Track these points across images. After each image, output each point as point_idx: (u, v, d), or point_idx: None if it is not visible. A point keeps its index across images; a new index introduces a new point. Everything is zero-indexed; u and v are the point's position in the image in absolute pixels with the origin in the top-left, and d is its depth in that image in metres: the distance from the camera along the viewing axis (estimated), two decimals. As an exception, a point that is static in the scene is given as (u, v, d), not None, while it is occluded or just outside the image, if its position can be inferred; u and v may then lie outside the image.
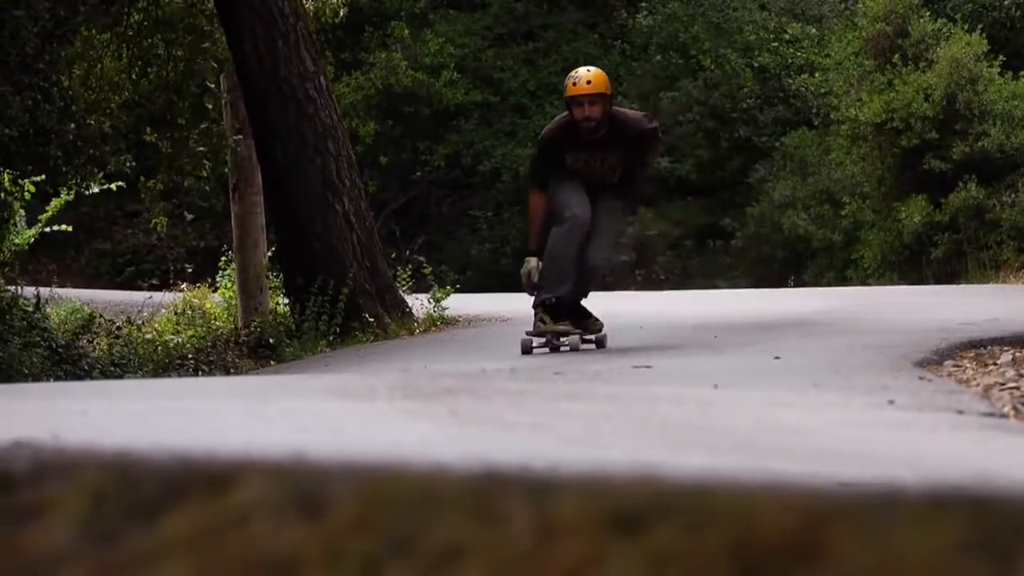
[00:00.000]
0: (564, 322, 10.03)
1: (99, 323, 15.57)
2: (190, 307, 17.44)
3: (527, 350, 9.88)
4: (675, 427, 4.53)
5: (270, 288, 16.38)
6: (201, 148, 14.82)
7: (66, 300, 18.08)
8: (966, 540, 1.49)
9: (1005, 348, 9.05)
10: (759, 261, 28.92)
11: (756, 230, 29.15)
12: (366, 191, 15.91)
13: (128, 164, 15.12)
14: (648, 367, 7.73)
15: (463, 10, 34.04)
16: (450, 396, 5.14)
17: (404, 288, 15.73)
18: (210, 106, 15.28)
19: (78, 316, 16.74)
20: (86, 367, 12.32)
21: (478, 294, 19.82)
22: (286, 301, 15.36)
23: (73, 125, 13.08)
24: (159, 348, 14.72)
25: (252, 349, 14.77)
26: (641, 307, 16.52)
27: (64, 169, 13.67)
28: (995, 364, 8.41)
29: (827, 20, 30.98)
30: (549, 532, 1.48)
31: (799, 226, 27.45)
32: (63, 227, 17.51)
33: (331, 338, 13.97)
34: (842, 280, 25.75)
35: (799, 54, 30.57)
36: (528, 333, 10.06)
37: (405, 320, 14.71)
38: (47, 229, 17.00)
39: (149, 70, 14.94)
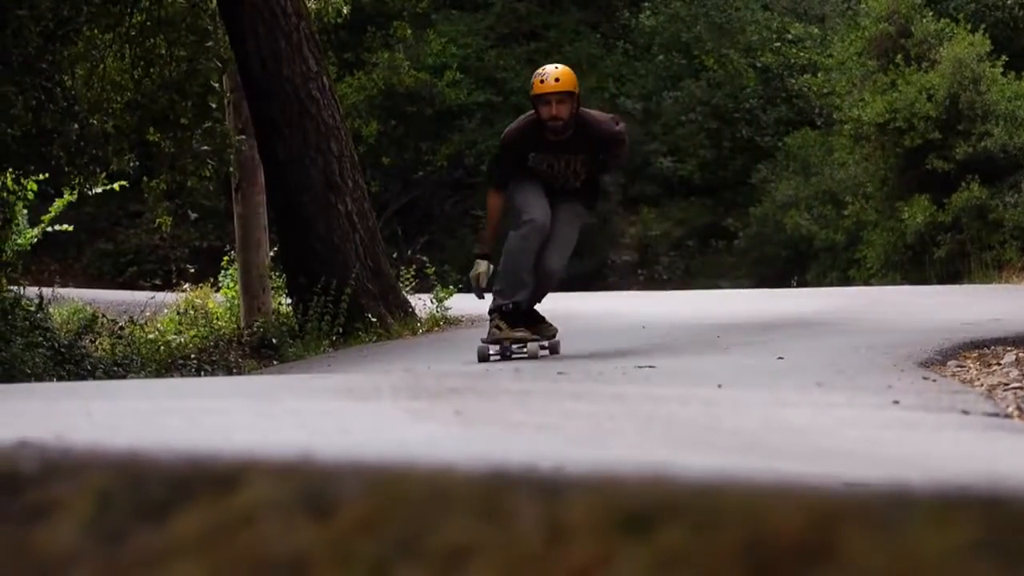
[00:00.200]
0: (520, 328, 9.66)
1: (102, 323, 15.57)
2: (192, 307, 17.44)
3: (484, 358, 9.44)
4: (680, 427, 4.52)
5: (273, 288, 16.38)
6: (205, 147, 14.81)
7: (68, 300, 18.08)
8: (978, 540, 1.49)
9: (1008, 348, 9.04)
10: (762, 261, 28.91)
11: (759, 230, 29.15)
12: (369, 191, 15.90)
13: (131, 164, 15.13)
14: (652, 367, 7.73)
15: (466, 10, 34.04)
16: (455, 396, 5.13)
17: (407, 288, 15.73)
18: (214, 105, 15.28)
19: (80, 316, 16.74)
20: (89, 367, 12.32)
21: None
22: (289, 301, 15.36)
23: (76, 125, 13.08)
24: (161, 348, 14.72)
25: (255, 349, 14.77)
26: (644, 307, 16.51)
27: (67, 169, 13.67)
28: (998, 364, 8.40)
29: (830, 20, 30.98)
30: (558, 532, 1.48)
31: (802, 226, 27.45)
32: (65, 227, 17.51)
33: (334, 338, 13.97)
34: (845, 280, 25.74)
35: (802, 54, 30.56)
36: (484, 340, 9.66)
37: (408, 320, 14.71)
38: (49, 229, 17.01)
39: (152, 70, 14.93)
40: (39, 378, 11.32)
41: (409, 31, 29.75)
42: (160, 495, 1.54)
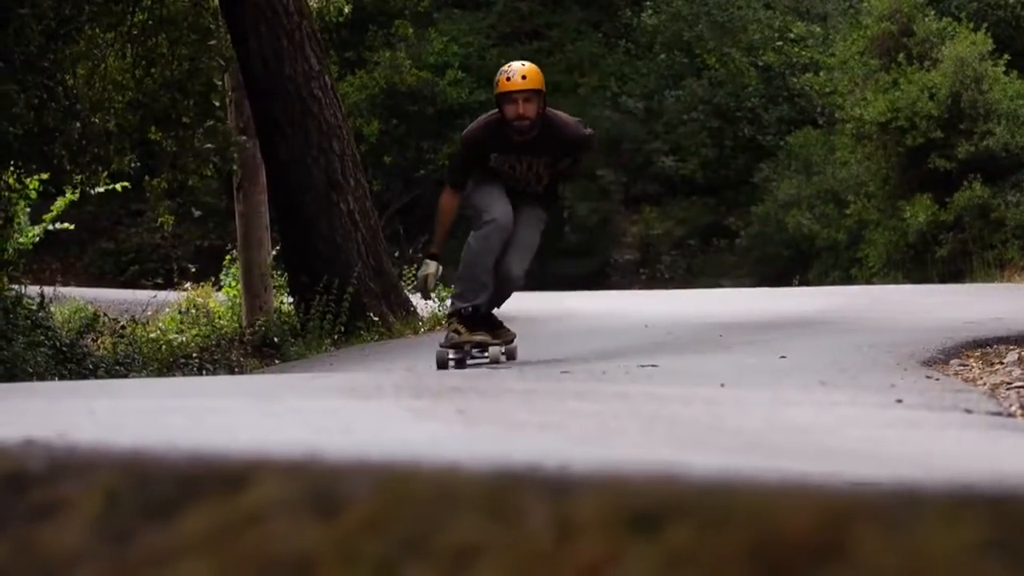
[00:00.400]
0: (480, 332, 9.30)
1: (103, 322, 15.57)
2: (194, 306, 17.44)
3: (442, 363, 9.15)
4: (684, 426, 4.52)
5: (274, 287, 16.39)
6: (209, 145, 14.80)
7: (70, 299, 18.08)
8: (987, 539, 1.48)
9: (1011, 347, 9.04)
10: (763, 260, 28.91)
11: (760, 229, 29.15)
12: (370, 190, 15.90)
13: (132, 164, 15.13)
14: (654, 366, 7.73)
15: (467, 9, 34.04)
16: (458, 395, 5.13)
17: (408, 287, 15.73)
18: (217, 103, 15.28)
19: (82, 315, 16.74)
20: (90, 366, 12.32)
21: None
22: (290, 300, 15.36)
23: (78, 124, 13.08)
24: (163, 347, 14.72)
25: (256, 348, 14.77)
26: (646, 306, 16.51)
27: (69, 168, 13.67)
28: (1001, 363, 8.40)
29: (832, 19, 30.99)
30: (566, 531, 1.47)
31: (803, 225, 27.45)
32: (66, 225, 17.51)
33: (335, 337, 13.97)
34: (847, 279, 25.74)
35: (804, 53, 30.56)
36: (442, 345, 9.31)
37: (410, 319, 14.71)
38: (51, 227, 17.01)
39: (153, 70, 14.93)
40: (41, 377, 11.32)
41: (411, 30, 29.74)
42: (167, 494, 1.53)
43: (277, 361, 13.92)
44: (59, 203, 16.87)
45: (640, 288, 27.36)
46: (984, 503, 1.57)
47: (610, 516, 1.48)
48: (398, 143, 32.30)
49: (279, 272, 16.24)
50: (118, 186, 16.11)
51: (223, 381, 8.83)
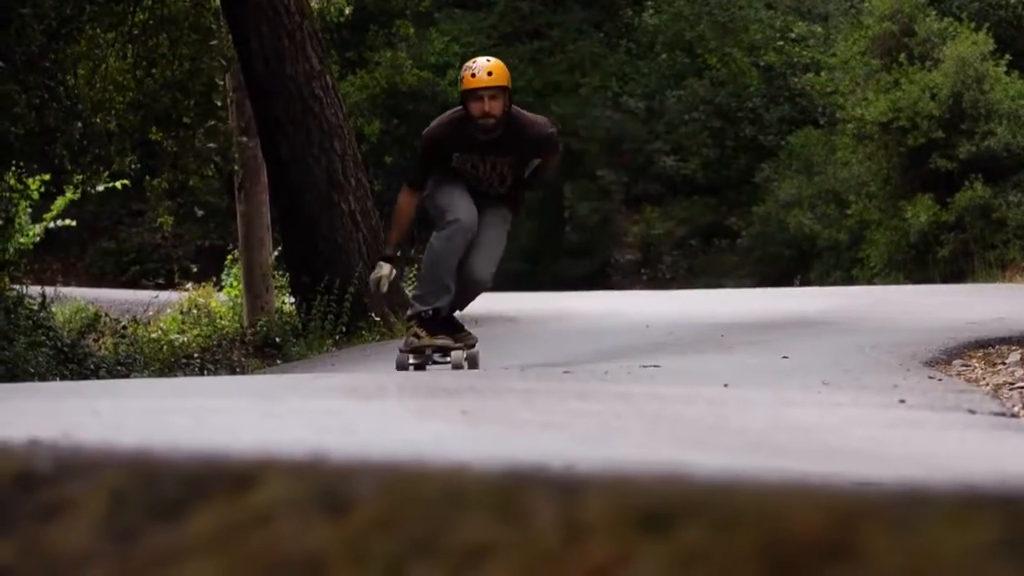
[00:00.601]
0: (441, 336, 8.93)
1: (104, 322, 15.57)
2: (195, 306, 17.44)
3: (402, 367, 8.83)
4: (687, 426, 4.52)
5: (276, 287, 16.39)
6: (212, 144, 14.80)
7: (71, 299, 18.07)
8: (997, 540, 1.48)
9: (1013, 347, 9.05)
10: (765, 260, 28.91)
11: (762, 229, 29.15)
12: (372, 190, 15.90)
13: (133, 165, 15.12)
14: (657, 366, 7.72)
15: (468, 8, 34.03)
16: (460, 395, 5.13)
17: (409, 287, 15.72)
18: (219, 103, 15.28)
19: (83, 315, 16.74)
20: (92, 366, 12.31)
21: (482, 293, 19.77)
22: (292, 300, 15.36)
23: (79, 124, 13.07)
24: (164, 347, 14.72)
25: (258, 348, 14.76)
26: (647, 306, 16.51)
27: (70, 168, 13.66)
28: (1003, 364, 8.40)
29: (833, 19, 30.98)
30: (576, 531, 1.47)
31: (805, 225, 27.45)
32: (68, 222, 17.51)
33: (337, 337, 13.97)
34: (848, 279, 25.74)
35: (805, 53, 30.56)
36: (402, 349, 8.97)
37: (411, 319, 14.68)
38: (52, 225, 17.01)
39: (154, 70, 14.92)
40: (42, 377, 11.31)
41: (412, 29, 29.75)
42: (174, 494, 1.53)
43: (279, 361, 13.92)
44: (59, 202, 16.87)
45: (641, 288, 27.36)
46: (994, 503, 1.57)
47: (619, 516, 1.48)
48: (399, 143, 32.28)
49: (280, 272, 16.24)
50: (118, 184, 16.10)
51: (225, 381, 8.83)
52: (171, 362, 14.01)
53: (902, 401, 5.66)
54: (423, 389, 5.40)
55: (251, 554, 1.46)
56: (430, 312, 8.89)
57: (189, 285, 19.02)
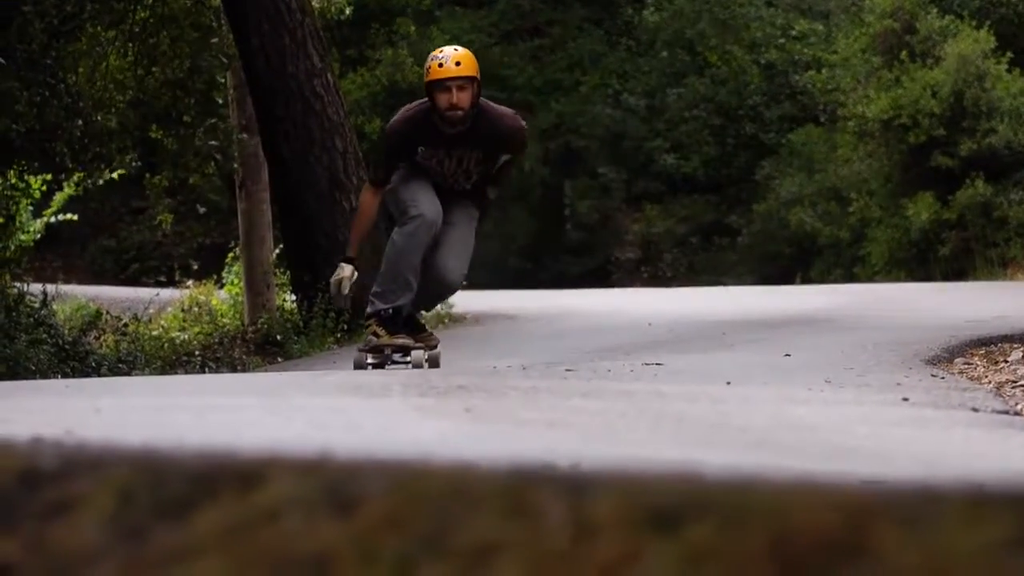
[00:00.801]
0: (401, 335, 8.50)
1: (106, 320, 15.56)
2: (196, 304, 17.43)
3: (361, 367, 8.47)
4: (691, 424, 4.51)
5: (277, 285, 16.37)
6: (213, 142, 14.79)
7: (72, 297, 18.06)
8: (1009, 538, 1.47)
9: (1015, 346, 9.04)
10: (766, 258, 28.91)
11: (763, 227, 29.15)
12: (373, 188, 15.85)
13: (134, 163, 15.12)
14: (659, 364, 7.72)
15: (469, 6, 34.03)
16: (464, 393, 5.12)
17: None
18: (219, 101, 15.26)
19: (84, 313, 16.73)
20: (93, 364, 12.30)
21: (483, 291, 19.81)
22: (293, 298, 15.35)
23: (80, 122, 13.07)
24: (165, 345, 14.71)
25: (259, 346, 14.75)
26: (648, 304, 16.51)
27: (70, 166, 13.66)
28: (1006, 362, 8.39)
29: (834, 16, 30.97)
30: (585, 529, 1.46)
31: (806, 223, 27.44)
32: (69, 216, 17.51)
33: (339, 335, 13.96)
34: (849, 277, 25.74)
35: (806, 51, 30.55)
36: (360, 349, 8.62)
37: (412, 317, 14.68)
38: (53, 219, 17.00)
39: (154, 68, 14.92)
40: (43, 375, 11.31)
41: (412, 27, 29.74)
42: (182, 492, 1.52)
43: (280, 359, 13.91)
44: (58, 197, 16.87)
45: (642, 286, 27.37)
46: (1004, 502, 1.56)
47: (629, 514, 1.47)
48: (400, 141, 32.27)
49: (282, 270, 16.23)
50: (115, 175, 16.05)
51: (227, 379, 8.82)
52: (172, 360, 14.00)
53: (905, 399, 5.65)
54: (427, 387, 5.40)
55: (258, 552, 1.45)
56: (390, 311, 8.48)
57: (190, 283, 19.01)
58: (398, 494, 1.52)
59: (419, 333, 8.65)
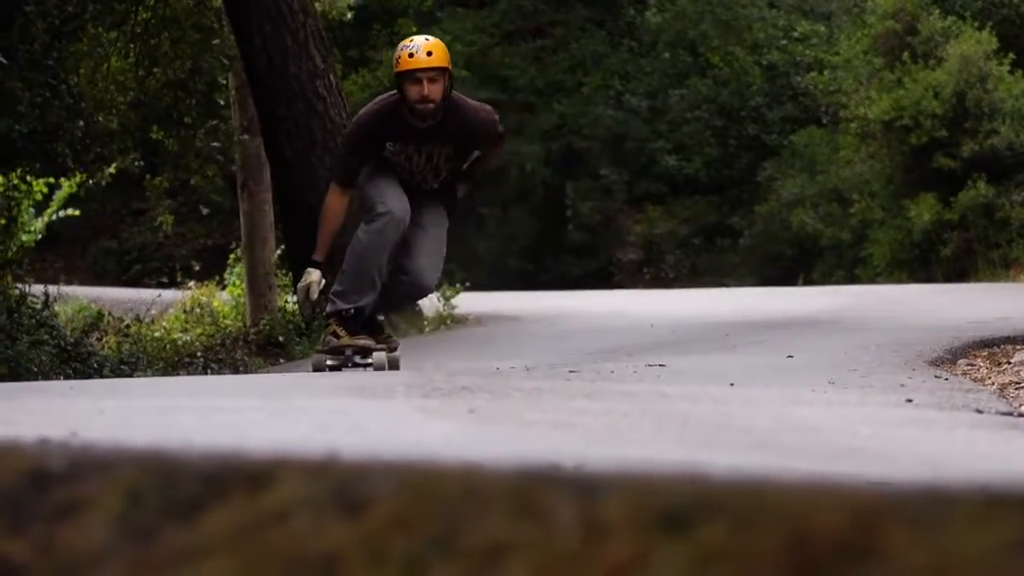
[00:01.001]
0: (362, 336, 8.15)
1: (108, 321, 15.56)
2: (198, 305, 17.43)
3: (320, 369, 8.18)
4: (695, 425, 4.51)
5: (279, 286, 16.37)
6: (216, 143, 14.79)
7: (73, 298, 18.07)
8: (1019, 539, 1.47)
9: (1018, 347, 9.04)
10: (768, 259, 28.91)
11: (765, 228, 29.15)
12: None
13: (136, 163, 15.12)
14: (662, 365, 7.71)
15: (471, 7, 34.03)
16: (467, 394, 5.12)
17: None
18: (221, 102, 15.26)
19: (86, 314, 16.73)
20: (95, 365, 12.29)
21: (485, 292, 19.82)
22: (295, 299, 15.34)
23: (81, 123, 13.07)
24: (167, 346, 14.71)
25: (261, 347, 14.75)
26: (650, 305, 16.51)
27: (72, 166, 13.67)
28: (1008, 363, 8.39)
29: (836, 18, 30.97)
30: (596, 531, 1.46)
31: (808, 224, 27.44)
32: (71, 211, 17.52)
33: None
34: (851, 278, 25.75)
35: (808, 52, 30.55)
36: (318, 350, 8.33)
37: (414, 319, 14.69)
38: (54, 216, 17.01)
39: (156, 69, 14.92)
40: (45, 376, 11.30)
41: (414, 28, 29.70)
42: (191, 493, 1.52)
43: (282, 360, 13.92)
44: (58, 196, 16.88)
45: (644, 287, 27.37)
46: (1014, 503, 1.56)
47: (639, 515, 1.47)
48: (401, 142, 32.28)
49: (283, 271, 16.23)
50: (112, 167, 16.04)
51: (230, 380, 8.82)
52: (174, 361, 14.00)
53: (909, 400, 5.65)
54: (430, 388, 5.40)
55: (268, 553, 1.45)
56: (351, 311, 8.12)
57: (192, 284, 19.01)
58: (407, 495, 1.51)
59: (379, 335, 8.31)
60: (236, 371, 13.44)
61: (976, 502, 1.55)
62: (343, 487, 1.51)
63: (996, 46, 25.09)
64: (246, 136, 16.12)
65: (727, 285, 25.56)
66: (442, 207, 8.26)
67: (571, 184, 32.02)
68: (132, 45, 15.02)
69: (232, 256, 18.11)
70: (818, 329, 11.37)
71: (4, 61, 12.09)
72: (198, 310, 17.19)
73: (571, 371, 7.32)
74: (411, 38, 8.14)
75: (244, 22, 14.60)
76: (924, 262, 24.67)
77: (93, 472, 1.57)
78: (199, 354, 14.37)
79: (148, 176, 16.06)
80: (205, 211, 28.70)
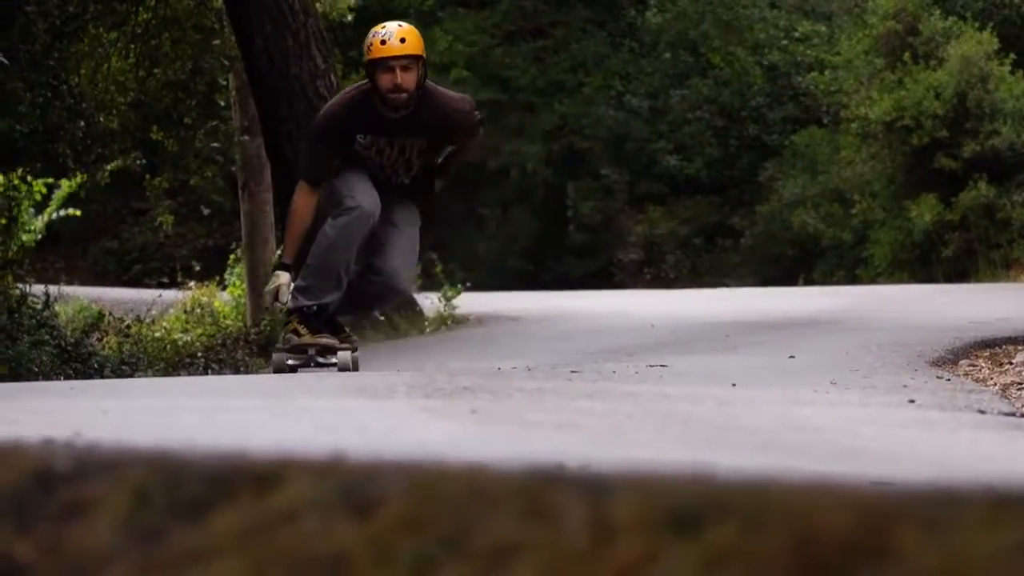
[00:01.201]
0: (325, 335, 7.76)
1: (108, 321, 15.55)
2: (199, 305, 17.42)
3: (281, 368, 7.81)
4: (698, 425, 4.51)
5: (280, 286, 16.34)
6: (216, 144, 14.79)
7: (74, 298, 18.06)
8: (1030, 540, 1.46)
9: (1020, 347, 9.04)
10: (768, 259, 28.91)
11: (765, 228, 29.15)
12: (376, 189, 15.85)
13: (138, 161, 15.12)
14: (663, 366, 7.70)
15: (472, 7, 34.03)
16: (469, 394, 5.12)
17: (413, 287, 15.72)
18: (221, 103, 15.26)
19: (86, 314, 16.72)
20: (96, 365, 12.28)
21: (486, 293, 19.82)
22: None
23: (82, 123, 13.07)
24: (168, 347, 14.70)
25: (262, 348, 14.75)
26: (652, 306, 16.51)
27: (72, 167, 13.67)
28: (1010, 363, 8.39)
29: (837, 18, 30.97)
30: (605, 531, 1.45)
31: (809, 224, 27.44)
32: (72, 211, 17.51)
33: (341, 336, 13.94)
34: (852, 279, 25.75)
35: (809, 52, 30.55)
36: (279, 348, 7.94)
37: (415, 319, 14.69)
38: (54, 216, 17.01)
39: (156, 70, 14.92)
40: (46, 376, 11.29)
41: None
42: (198, 493, 1.51)
43: (283, 360, 13.89)
44: (58, 195, 16.88)
45: (644, 288, 27.36)
46: (1020, 505, 1.55)
47: (648, 516, 1.46)
48: (402, 142, 32.27)
49: (284, 271, 16.20)
50: (112, 165, 16.05)
51: (231, 380, 8.81)
52: (175, 362, 14.00)
53: (912, 401, 5.65)
54: (432, 388, 5.39)
55: (276, 553, 1.45)
56: (314, 308, 7.72)
57: (192, 284, 19.01)
58: (415, 495, 1.51)
59: (339, 334, 7.91)
60: (237, 371, 13.43)
61: (984, 503, 1.54)
62: (351, 487, 1.51)
63: (997, 46, 25.09)
64: (246, 137, 16.11)
65: (728, 285, 25.56)
66: (414, 205, 7.86)
67: (572, 184, 32.02)
68: (133, 45, 15.01)
69: (233, 256, 18.10)
70: (819, 329, 11.37)
71: (5, 61, 12.09)
72: (199, 310, 17.18)
73: (573, 371, 7.31)
74: (383, 24, 7.81)
75: (245, 22, 14.61)
76: (925, 262, 24.67)
77: (100, 472, 1.56)
78: (200, 354, 14.36)
79: (148, 176, 16.06)
80: (206, 211, 28.72)
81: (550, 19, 33.60)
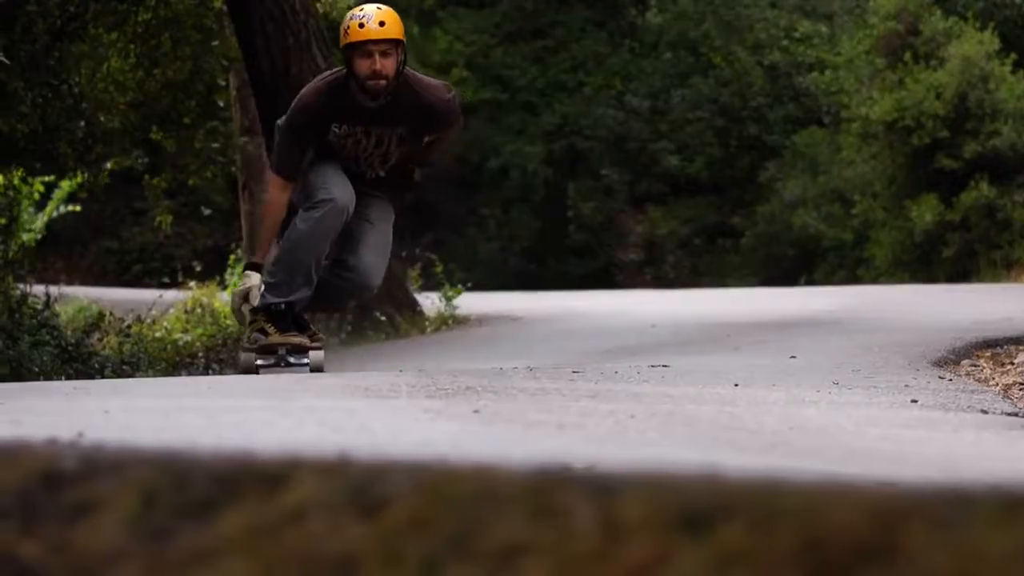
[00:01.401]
0: (293, 334, 7.46)
1: (109, 321, 15.55)
2: (199, 305, 17.42)
3: (250, 369, 7.52)
4: (702, 426, 4.50)
5: (280, 286, 16.34)
6: (216, 144, 14.78)
7: (74, 298, 18.06)
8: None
9: (1021, 348, 9.04)
10: (769, 260, 28.92)
11: (766, 229, 29.16)
12: (377, 189, 15.85)
13: (139, 161, 15.13)
14: (665, 366, 7.69)
15: (472, 7, 34.04)
16: (471, 394, 5.12)
17: (414, 287, 15.73)
18: (220, 104, 15.26)
19: (87, 314, 16.72)
20: (96, 365, 12.28)
21: (486, 292, 19.82)
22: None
23: (83, 123, 13.07)
24: (168, 347, 14.70)
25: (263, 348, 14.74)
26: (652, 306, 16.51)
27: (73, 167, 13.67)
28: (1012, 364, 8.39)
29: (838, 18, 30.98)
30: (615, 531, 1.44)
31: (809, 225, 27.45)
32: (73, 207, 17.52)
33: (342, 337, 13.96)
34: (853, 279, 25.76)
35: (810, 52, 30.56)
36: (246, 348, 7.61)
37: (416, 319, 14.69)
38: (56, 213, 17.02)
39: (156, 70, 14.92)
40: (47, 376, 11.29)
41: (416, 28, 29.72)
42: (205, 493, 1.51)
43: (283, 360, 13.89)
44: (58, 194, 16.89)
45: (645, 288, 27.36)
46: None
47: (658, 516, 1.46)
48: (402, 142, 32.28)
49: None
50: (111, 163, 16.04)
51: (233, 380, 8.80)
52: (176, 362, 14.00)
53: (914, 401, 5.65)
54: (434, 388, 5.39)
55: (283, 553, 1.44)
56: (283, 305, 7.40)
57: (192, 284, 19.01)
58: (423, 496, 1.50)
59: (306, 331, 7.61)
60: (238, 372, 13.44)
61: (993, 503, 1.54)
62: (359, 488, 1.50)
63: (998, 47, 25.10)
64: (246, 137, 16.11)
65: (728, 286, 25.56)
66: (388, 201, 7.57)
67: (572, 184, 32.04)
68: (132, 45, 15.01)
69: (233, 257, 18.10)
70: (820, 330, 11.37)
71: (6, 61, 12.09)
72: (199, 310, 17.18)
73: (574, 371, 7.30)
74: (361, 7, 7.33)
75: (246, 22, 14.61)
76: (926, 263, 24.67)
77: (106, 473, 1.56)
78: (200, 354, 14.37)
79: (147, 176, 16.06)
80: (206, 211, 28.72)
81: (550, 19, 33.61)
